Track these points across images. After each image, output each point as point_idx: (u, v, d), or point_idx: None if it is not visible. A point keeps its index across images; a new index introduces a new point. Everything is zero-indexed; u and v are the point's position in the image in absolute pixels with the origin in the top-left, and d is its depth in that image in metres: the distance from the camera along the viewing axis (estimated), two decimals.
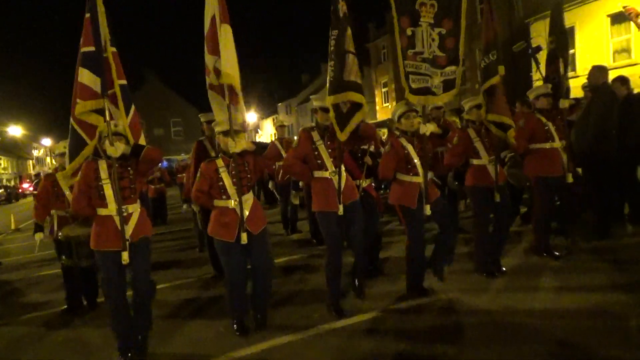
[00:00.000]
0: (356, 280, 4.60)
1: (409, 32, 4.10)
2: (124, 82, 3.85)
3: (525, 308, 3.92)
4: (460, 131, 4.86)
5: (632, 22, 16.21)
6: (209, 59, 3.94)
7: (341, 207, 4.08)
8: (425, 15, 4.14)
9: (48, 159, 65.25)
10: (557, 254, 5.14)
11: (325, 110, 4.20)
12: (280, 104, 51.61)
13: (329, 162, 4.15)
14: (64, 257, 4.79)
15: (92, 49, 3.53)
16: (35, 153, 59.70)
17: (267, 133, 51.86)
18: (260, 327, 3.99)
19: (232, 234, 3.81)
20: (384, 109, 31.43)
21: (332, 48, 4.07)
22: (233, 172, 3.82)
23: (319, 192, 4.17)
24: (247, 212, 3.86)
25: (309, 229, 7.35)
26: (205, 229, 4.29)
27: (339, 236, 4.14)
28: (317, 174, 4.19)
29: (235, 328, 3.96)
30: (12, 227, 14.33)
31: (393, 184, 4.50)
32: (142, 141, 4.03)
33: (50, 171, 5.44)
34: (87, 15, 3.54)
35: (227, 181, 3.83)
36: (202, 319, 4.49)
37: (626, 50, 17.07)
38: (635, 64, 15.95)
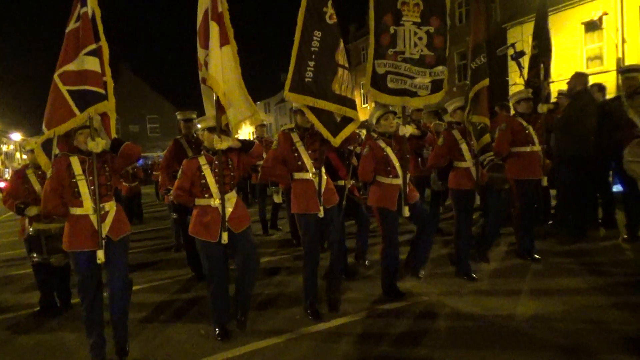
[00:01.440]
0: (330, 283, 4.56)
1: (391, 30, 4.10)
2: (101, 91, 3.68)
3: (506, 311, 3.95)
4: (446, 132, 4.87)
5: (604, 30, 16.76)
6: (200, 53, 3.86)
7: (322, 209, 4.04)
8: (409, 14, 4.15)
9: (17, 155, 63.29)
10: (538, 257, 5.21)
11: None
12: (258, 102, 51.31)
13: (309, 164, 4.08)
14: (34, 253, 4.61)
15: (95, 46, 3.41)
16: (4, 148, 57.80)
17: (245, 131, 51.45)
18: (242, 328, 3.91)
19: (215, 234, 3.71)
20: (363, 110, 31.54)
21: (314, 49, 4.00)
22: (216, 170, 3.74)
23: (299, 194, 4.11)
24: (230, 210, 3.78)
25: (289, 229, 7.29)
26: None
27: (317, 239, 4.10)
28: (297, 175, 4.12)
29: (217, 332, 3.86)
30: None
31: (372, 187, 4.47)
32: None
33: (19, 167, 5.24)
34: (85, 9, 3.38)
35: (209, 179, 3.74)
36: (181, 321, 4.38)
37: (599, 58, 17.58)
38: (607, 71, 16.41)
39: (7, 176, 48.36)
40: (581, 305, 3.96)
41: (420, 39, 4.18)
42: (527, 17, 18.48)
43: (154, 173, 15.06)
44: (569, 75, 6.13)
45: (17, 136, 56.31)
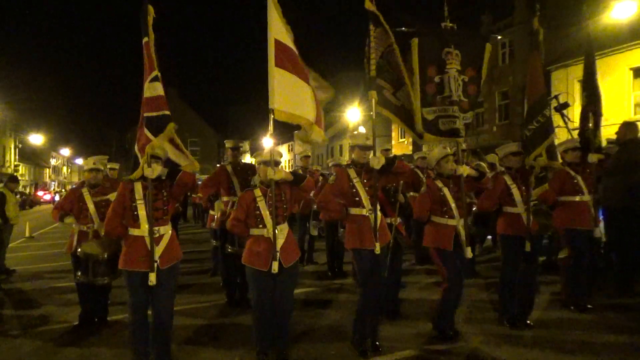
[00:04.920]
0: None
1: (437, 79, 4.32)
2: (167, 112, 3.78)
3: None
4: (497, 176, 4.80)
5: None
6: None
7: (377, 245, 4.03)
8: (452, 62, 4.35)
9: (64, 169, 66.05)
10: (583, 308, 5.03)
11: (363, 148, 4.20)
12: (296, 131, 52.01)
13: (366, 200, 4.12)
14: (79, 273, 4.79)
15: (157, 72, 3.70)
16: (52, 162, 60.51)
17: (282, 160, 52.03)
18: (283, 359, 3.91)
19: (266, 263, 3.79)
20: (399, 144, 31.50)
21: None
22: (270, 202, 3.85)
23: (354, 230, 4.13)
24: (281, 242, 3.87)
25: (327, 261, 7.30)
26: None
27: (372, 275, 4.07)
28: (354, 211, 4.15)
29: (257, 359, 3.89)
30: (27, 234, 14.41)
31: (427, 226, 4.47)
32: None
33: (74, 186, 5.55)
34: (146, 39, 3.65)
35: (264, 210, 3.87)
36: (218, 346, 4.43)
37: None
38: None
39: (53, 188, 50.59)
40: None
41: (459, 85, 4.38)
42: (572, 60, 18.27)
43: (193, 195, 15.35)
44: (615, 121, 6.03)
45: (66, 151, 58.89)
